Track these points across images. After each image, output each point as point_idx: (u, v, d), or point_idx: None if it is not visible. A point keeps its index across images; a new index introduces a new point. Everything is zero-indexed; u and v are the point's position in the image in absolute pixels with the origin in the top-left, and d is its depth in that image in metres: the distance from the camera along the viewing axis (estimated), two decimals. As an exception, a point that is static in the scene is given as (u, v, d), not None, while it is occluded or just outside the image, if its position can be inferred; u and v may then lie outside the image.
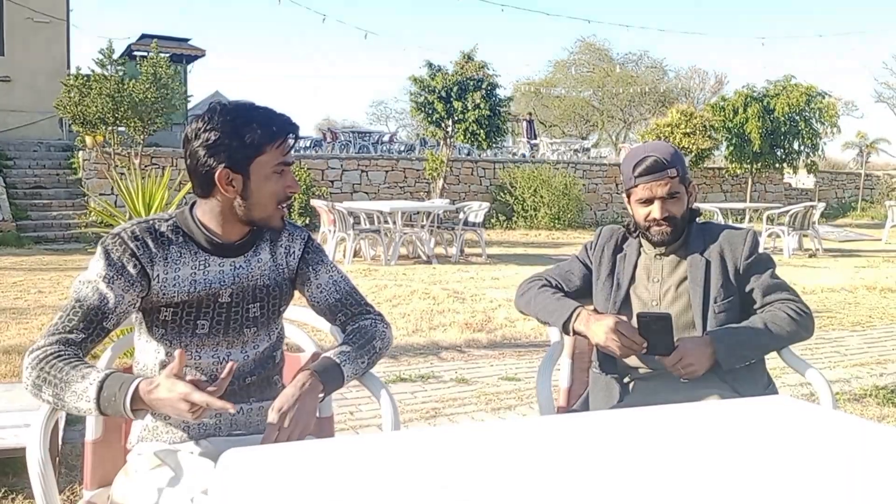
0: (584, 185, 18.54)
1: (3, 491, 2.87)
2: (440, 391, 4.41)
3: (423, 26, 72.75)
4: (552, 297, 2.21)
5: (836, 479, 1.18)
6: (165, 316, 1.69)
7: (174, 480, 1.61)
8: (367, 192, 16.79)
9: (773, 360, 2.20)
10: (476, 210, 11.64)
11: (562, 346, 2.29)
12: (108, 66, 14.12)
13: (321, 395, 1.70)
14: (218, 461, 1.17)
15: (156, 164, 14.25)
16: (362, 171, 16.98)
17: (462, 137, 16.04)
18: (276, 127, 1.66)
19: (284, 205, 1.73)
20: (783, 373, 4.27)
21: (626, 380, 2.17)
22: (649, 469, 1.20)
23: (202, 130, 1.64)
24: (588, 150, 24.64)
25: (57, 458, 2.91)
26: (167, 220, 1.72)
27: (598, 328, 2.01)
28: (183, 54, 19.97)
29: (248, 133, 1.63)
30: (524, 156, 22.15)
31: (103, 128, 13.97)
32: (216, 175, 1.64)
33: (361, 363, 1.78)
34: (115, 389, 1.48)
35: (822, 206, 13.14)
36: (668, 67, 39.96)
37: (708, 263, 2.12)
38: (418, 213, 11.44)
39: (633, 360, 2.12)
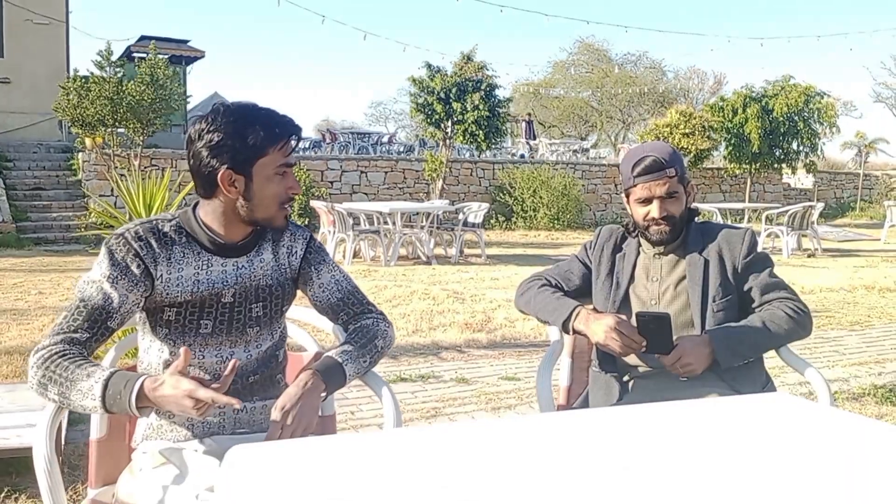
0: (583, 185, 18.56)
1: (6, 490, 2.89)
2: (440, 391, 4.42)
3: (422, 27, 72.82)
4: (552, 296, 2.23)
5: (834, 474, 1.19)
6: (169, 315, 1.71)
7: (179, 478, 1.63)
8: (366, 193, 16.81)
9: (772, 360, 2.22)
10: (475, 211, 11.66)
11: (562, 345, 2.31)
12: (107, 68, 14.13)
13: (324, 394, 1.72)
14: (224, 458, 1.19)
15: (155, 165, 14.26)
16: (362, 171, 17.00)
17: (461, 138, 16.07)
18: (278, 128, 1.68)
19: (287, 205, 1.75)
20: (782, 372, 4.29)
21: (625, 378, 2.18)
22: (649, 465, 1.22)
23: (205, 131, 1.65)
24: (587, 150, 24.66)
25: (60, 458, 2.92)
26: (170, 221, 1.74)
27: (598, 327, 2.03)
28: (182, 55, 19.98)
29: (250, 134, 1.64)
30: (523, 156, 22.17)
31: (102, 129, 13.99)
32: (219, 176, 1.66)
33: (363, 362, 1.79)
34: (120, 387, 1.50)
35: (820, 206, 13.16)
36: (666, 68, 40.01)
37: (706, 263, 2.14)
38: (418, 213, 11.46)
39: (632, 359, 2.14)
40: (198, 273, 1.71)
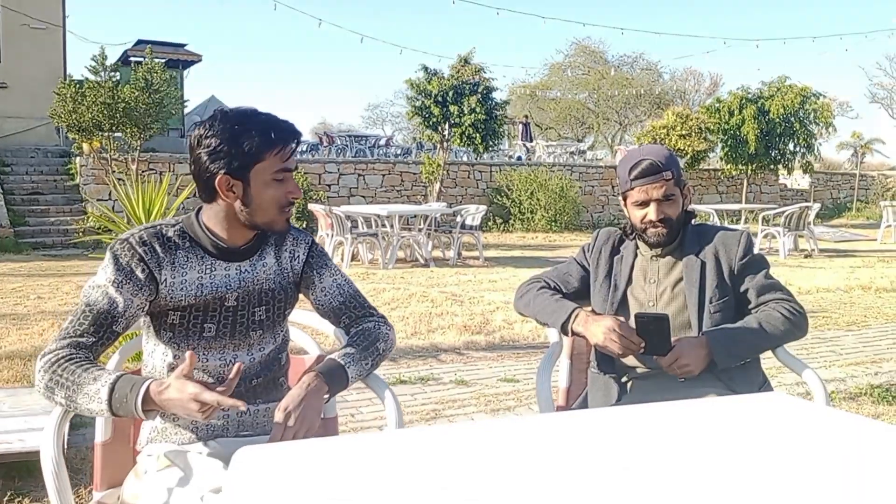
0: (580, 187, 18.60)
1: (9, 494, 2.90)
2: (440, 393, 4.44)
3: (419, 30, 72.88)
4: (551, 298, 2.25)
5: (831, 473, 1.21)
6: (173, 319, 1.73)
7: (184, 480, 1.65)
8: (364, 196, 16.83)
9: (769, 360, 2.25)
10: (473, 213, 11.68)
11: (561, 347, 2.33)
12: (102, 73, 14.14)
13: (326, 396, 1.74)
14: (232, 459, 1.21)
15: (153, 169, 14.30)
16: (359, 174, 17.03)
17: (458, 141, 16.10)
18: (274, 134, 1.68)
19: (287, 209, 1.76)
20: (779, 372, 4.31)
21: (623, 379, 2.21)
22: (648, 465, 1.24)
23: (204, 137, 1.68)
24: (584, 152, 24.70)
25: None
26: (174, 226, 1.76)
27: (597, 329, 2.06)
28: (179, 59, 19.99)
29: (246, 140, 1.66)
30: (520, 158, 22.21)
31: (99, 134, 14.00)
32: (216, 181, 1.68)
33: (365, 365, 1.82)
34: (126, 391, 1.52)
35: (817, 206, 13.21)
36: (662, 69, 40.09)
37: (703, 264, 2.17)
38: (415, 216, 11.48)
39: (630, 360, 2.16)
40: (201, 277, 1.74)
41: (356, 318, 1.93)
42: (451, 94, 15.61)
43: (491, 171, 18.17)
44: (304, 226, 13.93)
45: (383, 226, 10.86)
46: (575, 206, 17.62)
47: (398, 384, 4.57)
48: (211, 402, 1.47)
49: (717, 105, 20.02)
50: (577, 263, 2.37)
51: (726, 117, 19.23)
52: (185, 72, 20.55)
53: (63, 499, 1.59)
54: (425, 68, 16.16)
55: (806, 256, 12.39)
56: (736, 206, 14.96)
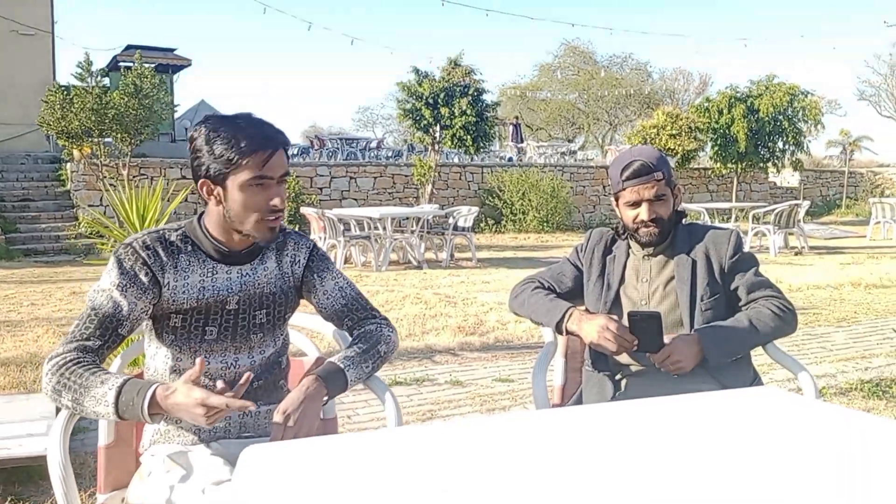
0: (571, 187, 18.65)
1: (10, 499, 2.92)
2: (435, 394, 4.48)
3: (408, 32, 72.95)
4: (545, 298, 2.29)
5: (823, 464, 1.25)
6: (175, 322, 1.76)
7: (185, 477, 1.68)
8: (355, 199, 16.84)
9: (760, 357, 2.29)
10: (465, 215, 11.71)
11: (555, 346, 2.37)
12: (88, 79, 14.10)
13: (325, 399, 1.76)
14: (239, 457, 1.24)
15: (144, 175, 14.28)
16: (351, 177, 17.04)
17: (450, 143, 16.13)
18: (246, 142, 1.66)
19: (269, 218, 1.73)
20: (771, 368, 4.36)
21: (617, 377, 2.24)
22: (644, 458, 1.28)
23: (191, 140, 1.73)
24: (575, 152, 24.78)
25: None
26: (177, 230, 1.79)
27: (591, 327, 2.09)
28: (169, 64, 19.96)
29: (222, 147, 1.67)
30: (511, 159, 22.26)
31: (89, 140, 13.97)
32: (199, 184, 1.73)
33: (366, 368, 1.83)
34: (133, 394, 1.54)
35: (806, 204, 13.30)
36: (652, 69, 40.24)
37: (694, 263, 2.21)
38: (408, 218, 11.51)
39: (624, 358, 2.20)
40: (203, 280, 1.76)
41: (358, 320, 1.94)
42: (441, 96, 15.66)
43: (482, 173, 18.21)
44: (296, 229, 13.92)
45: (376, 228, 10.88)
46: (566, 207, 17.67)
47: (394, 385, 4.60)
48: (219, 406, 1.49)
49: (706, 104, 20.12)
50: (571, 263, 2.40)
51: (716, 116, 19.33)
52: (175, 76, 20.54)
53: (71, 502, 1.61)
54: (416, 70, 16.21)
55: (796, 254, 12.48)
56: (726, 205, 15.04)
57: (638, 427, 1.45)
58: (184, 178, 14.39)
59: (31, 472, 3.06)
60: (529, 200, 17.01)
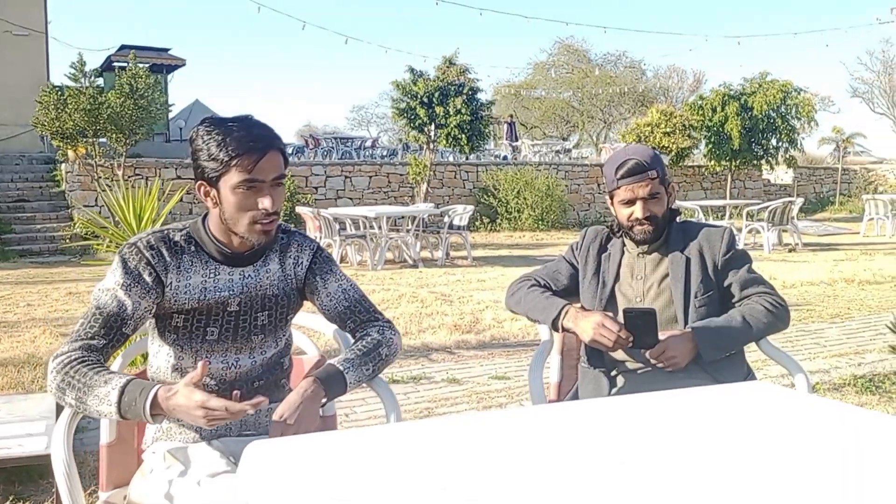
0: (566, 185, 18.68)
1: (11, 498, 2.94)
2: (432, 391, 4.50)
3: (402, 31, 72.91)
4: (541, 296, 2.31)
5: (812, 456, 1.28)
6: (177, 322, 1.78)
7: (184, 472, 1.70)
8: (351, 198, 16.85)
9: (754, 354, 2.32)
10: (460, 213, 11.74)
11: (551, 343, 2.40)
12: (82, 80, 14.08)
13: (324, 400, 1.77)
14: (243, 453, 1.26)
15: (139, 175, 14.27)
16: (346, 176, 17.04)
17: (444, 142, 16.15)
18: (234, 145, 1.66)
19: (263, 222, 1.73)
20: (765, 365, 4.40)
21: (613, 373, 2.27)
22: (639, 451, 1.30)
23: (191, 141, 1.74)
24: (569, 150, 24.80)
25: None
26: (181, 230, 1.81)
27: (587, 324, 2.12)
28: (163, 64, 19.97)
29: (214, 149, 1.68)
30: (506, 158, 22.29)
31: (83, 140, 13.96)
32: (196, 186, 1.75)
33: (366, 370, 1.84)
34: (135, 395, 1.56)
35: (800, 201, 13.36)
36: (646, 67, 40.30)
37: (688, 260, 2.24)
38: (403, 217, 11.53)
39: (619, 354, 2.22)
40: (205, 281, 1.78)
41: (362, 322, 1.94)
42: (436, 95, 15.68)
43: (477, 171, 18.22)
44: (291, 229, 13.93)
45: (371, 227, 10.90)
46: (561, 205, 17.71)
47: (391, 383, 4.62)
48: (219, 408, 1.51)
49: (700, 102, 20.18)
50: (566, 261, 2.43)
51: (709, 114, 19.39)
52: (170, 76, 20.53)
53: (75, 499, 1.63)
54: (411, 70, 16.24)
55: (790, 251, 12.53)
56: (720, 202, 15.09)
57: (631, 421, 1.48)
58: (179, 178, 14.39)
59: (30, 471, 3.07)
60: (524, 199, 17.04)
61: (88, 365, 1.62)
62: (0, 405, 3.72)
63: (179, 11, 77.63)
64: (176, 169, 14.87)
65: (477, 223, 16.58)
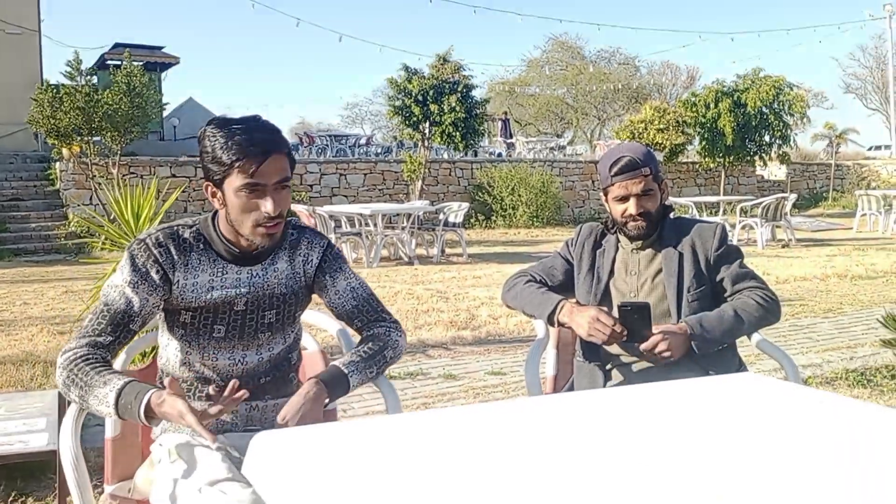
0: (560, 182, 18.72)
1: (13, 494, 2.97)
2: (429, 387, 4.54)
3: (396, 28, 72.84)
4: (537, 291, 2.35)
5: (801, 445, 1.32)
6: (185, 318, 1.81)
7: (187, 473, 1.73)
8: (345, 196, 16.87)
9: (747, 348, 2.36)
10: (455, 210, 11.77)
11: (547, 338, 2.44)
12: (78, 78, 14.07)
13: (326, 402, 1.80)
14: (249, 444, 1.30)
15: (134, 173, 14.27)
16: (341, 174, 17.06)
17: (439, 140, 16.17)
18: (236, 148, 1.67)
19: (264, 225, 1.73)
20: (757, 359, 4.45)
21: (608, 367, 2.31)
22: (629, 442, 1.34)
23: (199, 141, 1.76)
24: (564, 147, 24.87)
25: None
26: (191, 227, 1.83)
27: (582, 319, 2.16)
28: (157, 62, 19.96)
29: (218, 151, 1.69)
30: (500, 155, 22.32)
31: (78, 139, 13.95)
32: (204, 187, 1.77)
33: (370, 372, 1.87)
34: (131, 398, 1.59)
35: (793, 197, 13.43)
36: (640, 64, 40.36)
37: (681, 256, 2.28)
38: (398, 214, 11.56)
39: (614, 348, 2.27)
40: (212, 280, 1.80)
41: (368, 321, 1.97)
42: (431, 92, 15.70)
43: (472, 169, 18.26)
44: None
45: (367, 225, 10.93)
46: (556, 202, 17.75)
47: (389, 380, 4.66)
48: (190, 425, 1.53)
49: (693, 99, 20.24)
50: (561, 257, 2.47)
51: (703, 111, 19.45)
52: (164, 74, 20.50)
53: (83, 491, 1.67)
54: (406, 67, 16.26)
55: (783, 246, 12.60)
56: (714, 199, 15.15)
57: (625, 412, 1.52)
58: (174, 176, 14.40)
59: (32, 467, 3.10)
60: (519, 196, 17.08)
61: (91, 364, 1.65)
62: (0, 402, 3.75)
63: (172, 7, 77.41)
64: (170, 167, 14.87)
65: (472, 220, 16.61)
